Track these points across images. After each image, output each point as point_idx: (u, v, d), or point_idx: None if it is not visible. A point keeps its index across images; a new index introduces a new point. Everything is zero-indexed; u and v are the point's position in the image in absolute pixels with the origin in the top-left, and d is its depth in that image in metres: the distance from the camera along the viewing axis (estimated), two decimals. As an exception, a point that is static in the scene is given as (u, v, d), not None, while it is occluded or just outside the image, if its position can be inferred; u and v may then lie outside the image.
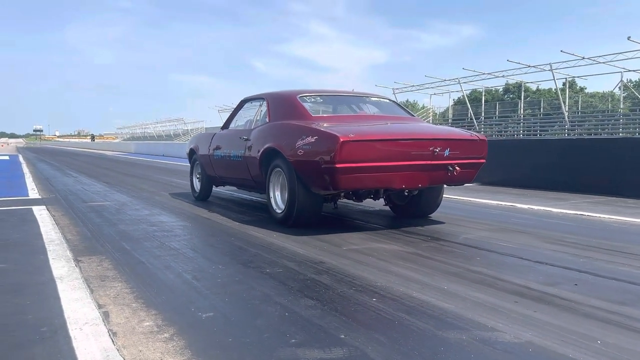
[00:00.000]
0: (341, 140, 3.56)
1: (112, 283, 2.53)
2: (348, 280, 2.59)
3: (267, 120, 4.72)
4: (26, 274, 2.69)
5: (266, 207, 4.61)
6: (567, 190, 6.97)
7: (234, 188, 6.44)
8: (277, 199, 4.40)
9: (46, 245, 3.38)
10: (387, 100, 5.29)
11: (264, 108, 4.91)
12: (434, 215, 4.76)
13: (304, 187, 3.99)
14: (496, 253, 3.24)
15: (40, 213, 4.84)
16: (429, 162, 3.90)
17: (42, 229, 3.98)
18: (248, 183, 5.08)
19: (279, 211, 4.32)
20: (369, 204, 5.46)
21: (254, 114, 5.18)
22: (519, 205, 5.55)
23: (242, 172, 5.00)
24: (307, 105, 4.56)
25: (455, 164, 3.99)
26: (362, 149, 3.67)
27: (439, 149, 3.90)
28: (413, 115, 5.02)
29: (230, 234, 3.90)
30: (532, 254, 3.20)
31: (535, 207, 5.39)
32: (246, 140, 4.85)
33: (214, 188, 6.25)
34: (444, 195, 4.76)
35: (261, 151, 4.45)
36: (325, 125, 4.03)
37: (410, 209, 4.70)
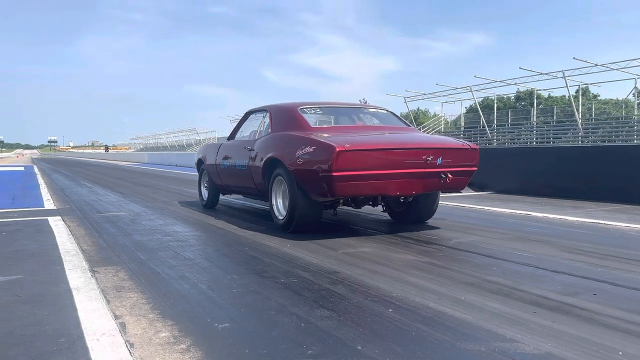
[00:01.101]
0: (337, 150, 3.75)
1: (128, 293, 2.54)
2: (363, 290, 2.57)
3: (269, 131, 4.91)
4: (43, 285, 2.71)
5: (279, 217, 4.63)
6: (582, 198, 6.90)
7: (246, 197, 6.51)
8: (279, 206, 4.56)
9: (62, 256, 3.41)
10: (385, 111, 5.45)
11: (267, 120, 5.11)
12: (443, 223, 4.75)
13: (304, 194, 4.15)
14: (512, 262, 3.21)
15: (56, 224, 4.89)
16: (422, 170, 4.07)
17: (58, 240, 4.02)
18: (252, 191, 5.28)
19: (280, 217, 4.48)
20: (373, 211, 5.44)
21: (257, 125, 5.38)
22: (533, 214, 5.50)
23: (246, 181, 5.19)
24: (307, 117, 4.77)
25: (448, 171, 4.17)
26: (358, 158, 3.86)
27: (431, 157, 4.08)
28: (409, 126, 5.22)
29: (244, 243, 3.91)
30: (549, 264, 3.17)
31: (551, 216, 5.33)
32: (250, 150, 5.04)
33: (224, 197, 6.31)
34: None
35: (264, 160, 4.65)
36: (323, 135, 4.21)
37: (408, 215, 4.87)
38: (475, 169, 4.45)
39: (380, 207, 4.91)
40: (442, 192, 4.63)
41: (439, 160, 4.12)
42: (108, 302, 2.41)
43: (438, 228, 4.58)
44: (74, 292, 2.55)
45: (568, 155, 7.86)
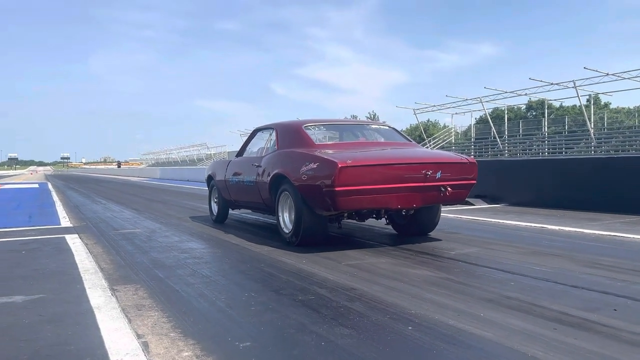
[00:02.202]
0: (339, 166, 3.90)
1: (148, 312, 2.57)
2: (381, 307, 2.58)
3: (276, 148, 5.09)
4: (65, 304, 2.75)
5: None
6: (597, 209, 6.83)
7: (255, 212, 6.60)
8: (286, 220, 4.69)
9: (82, 275, 3.46)
10: (387, 127, 5.65)
11: (274, 137, 5.29)
12: (458, 237, 4.74)
13: (309, 209, 4.28)
14: (530, 277, 3.19)
15: (74, 242, 4.95)
16: (422, 184, 4.19)
17: (77, 258, 4.07)
18: (260, 206, 5.45)
19: (287, 231, 4.60)
20: (377, 223, 5.44)
21: (264, 142, 5.57)
22: (549, 227, 5.46)
23: (254, 196, 5.36)
24: (311, 134, 4.94)
25: (447, 185, 4.28)
26: (359, 174, 4.00)
27: (430, 171, 4.19)
28: (410, 141, 5.37)
29: (260, 259, 3.93)
30: (568, 278, 3.15)
31: (567, 229, 5.29)
32: (257, 166, 5.21)
33: (235, 211, 6.42)
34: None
35: (270, 176, 4.81)
36: (326, 152, 4.38)
37: (411, 227, 4.98)
38: (474, 182, 4.56)
39: (383, 220, 5.03)
40: (442, 204, 4.72)
41: (439, 175, 4.23)
42: (129, 321, 2.44)
43: (453, 242, 4.57)
44: (96, 311, 2.59)
45: (582, 166, 7.81)
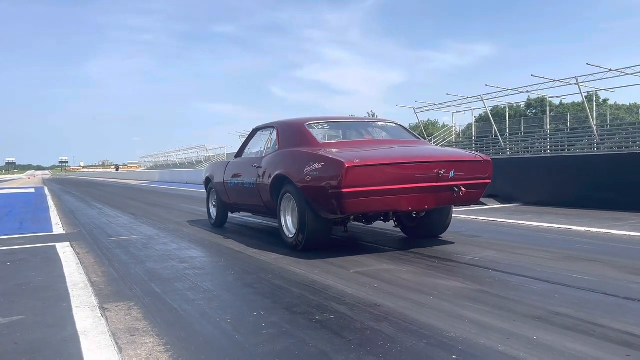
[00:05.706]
0: (346, 165, 3.64)
1: (142, 338, 2.20)
2: (414, 329, 2.21)
3: (277, 148, 4.81)
4: (47, 328, 2.39)
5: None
6: (617, 208, 6.48)
7: (255, 215, 6.28)
8: (288, 223, 4.43)
9: (70, 290, 3.09)
10: (394, 125, 5.34)
11: (274, 136, 5.01)
12: (481, 242, 4.38)
13: (313, 212, 4.02)
14: (575, 288, 2.83)
15: (64, 251, 4.58)
16: (434, 183, 3.94)
17: (66, 270, 3.70)
18: (261, 209, 5.20)
19: (290, 236, 4.34)
20: (385, 226, 5.09)
21: (264, 142, 5.28)
22: (574, 228, 5.10)
23: (254, 199, 5.10)
24: (314, 133, 4.67)
25: (461, 184, 4.02)
26: (368, 174, 3.74)
27: (443, 170, 3.94)
28: (419, 139, 5.08)
29: (267, 270, 3.57)
30: (617, 289, 2.79)
31: (593, 230, 4.93)
32: (258, 167, 4.94)
33: (235, 214, 6.15)
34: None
35: (272, 178, 4.53)
36: (332, 151, 4.11)
37: (420, 230, 4.72)
38: (489, 181, 4.28)
39: (391, 223, 4.71)
40: (455, 205, 4.48)
41: (452, 174, 3.98)
42: (120, 350, 2.07)
43: (475, 246, 4.21)
44: (82, 337, 2.22)
45: (597, 164, 7.48)
